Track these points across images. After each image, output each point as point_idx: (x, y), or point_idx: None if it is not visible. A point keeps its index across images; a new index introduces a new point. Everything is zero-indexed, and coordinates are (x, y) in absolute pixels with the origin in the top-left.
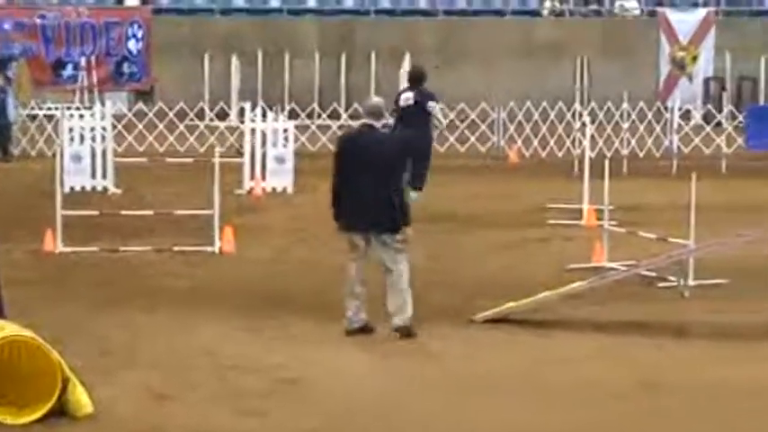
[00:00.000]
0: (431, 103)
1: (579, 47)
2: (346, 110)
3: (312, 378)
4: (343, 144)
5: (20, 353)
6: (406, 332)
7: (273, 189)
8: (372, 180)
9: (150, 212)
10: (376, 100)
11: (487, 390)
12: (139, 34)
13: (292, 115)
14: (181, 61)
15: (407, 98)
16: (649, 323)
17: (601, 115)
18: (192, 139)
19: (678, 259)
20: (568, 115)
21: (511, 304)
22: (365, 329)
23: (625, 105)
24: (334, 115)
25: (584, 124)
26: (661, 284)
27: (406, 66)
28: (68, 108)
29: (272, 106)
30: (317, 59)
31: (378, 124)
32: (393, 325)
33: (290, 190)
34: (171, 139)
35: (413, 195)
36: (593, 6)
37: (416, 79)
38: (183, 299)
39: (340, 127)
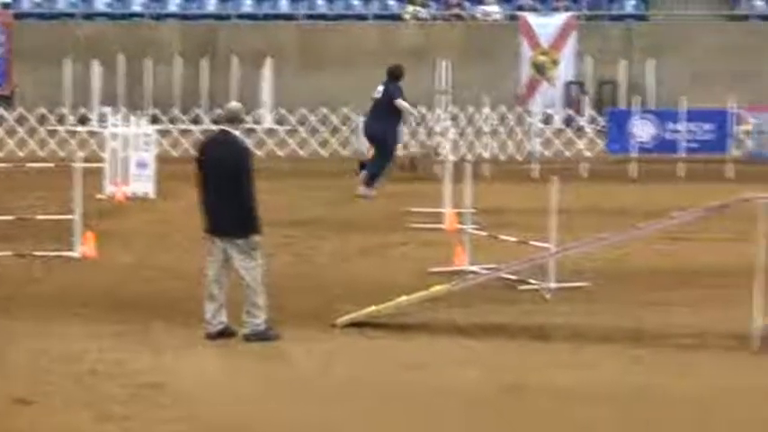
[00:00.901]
0: (399, 101)
1: (441, 51)
2: (208, 114)
3: (174, 383)
4: (199, 149)
5: None
6: (255, 339)
7: (135, 194)
8: (223, 185)
9: (11, 218)
10: (234, 105)
11: (349, 395)
12: (0, 39)
13: (154, 120)
14: (42, 66)
15: (378, 91)
16: (511, 326)
17: (463, 119)
18: (53, 143)
19: (539, 262)
20: (431, 119)
21: (373, 308)
22: (226, 333)
23: (487, 110)
24: (197, 120)
25: (446, 128)
26: (523, 287)
27: (267, 69)
28: None
29: (134, 111)
30: (178, 64)
31: (235, 130)
32: (242, 334)
33: (151, 195)
34: (32, 144)
35: (363, 191)
36: (455, 11)
37: (391, 74)
38: (44, 304)
39: (202, 131)
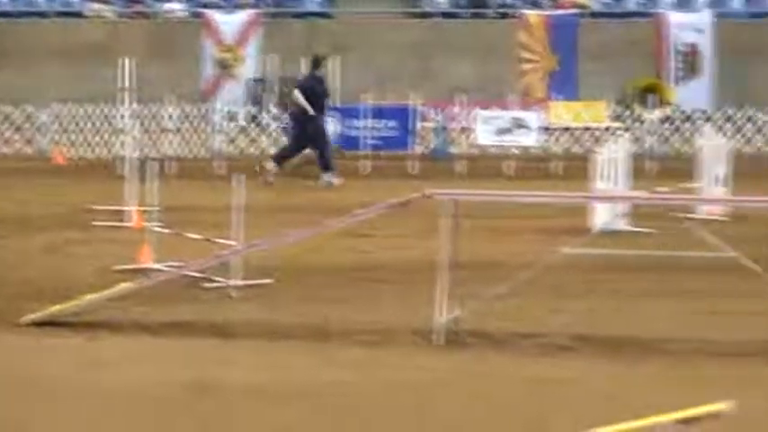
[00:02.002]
0: (295, 92)
1: (125, 49)
2: None
3: None
4: None
5: None
6: None
7: None
8: None
9: None
10: None
11: (35, 395)
12: None
13: None
14: None
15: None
16: (197, 324)
17: (148, 117)
18: None
19: (225, 260)
20: (117, 117)
21: (57, 307)
22: None
23: (171, 107)
24: None
25: (130, 126)
26: (208, 285)
27: None
28: None
29: None
30: None
31: None
32: None
33: None
34: None
35: (325, 178)
36: (139, 8)
37: (312, 63)
38: None
39: None
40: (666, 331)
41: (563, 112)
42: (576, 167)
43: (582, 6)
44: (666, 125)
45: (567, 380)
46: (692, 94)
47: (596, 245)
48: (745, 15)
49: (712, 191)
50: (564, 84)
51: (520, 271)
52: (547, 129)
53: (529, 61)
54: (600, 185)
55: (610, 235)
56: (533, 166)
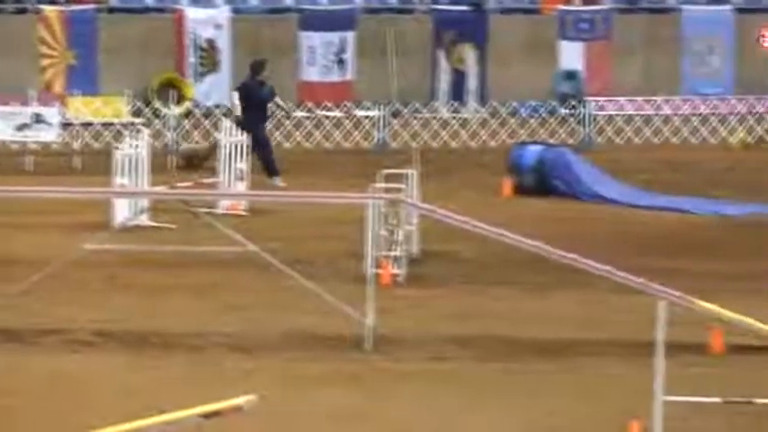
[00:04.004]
0: (231, 92)
1: None
2: None
3: None
4: None
5: None
6: None
7: None
8: None
9: None
10: None
11: None
12: None
13: None
14: None
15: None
16: None
17: None
18: None
19: None
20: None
21: None
22: None
23: None
24: None
25: None
26: None
27: None
28: None
29: None
30: None
31: None
32: None
33: None
34: None
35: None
36: None
37: (251, 68)
38: None
39: None
40: (188, 326)
41: (82, 108)
42: (97, 163)
43: (100, 1)
44: (187, 121)
45: (91, 376)
46: (212, 90)
47: (117, 240)
48: (262, 11)
49: (232, 186)
50: (83, 79)
51: (42, 267)
52: (67, 124)
53: (48, 56)
54: (120, 181)
55: (131, 230)
56: (54, 162)
